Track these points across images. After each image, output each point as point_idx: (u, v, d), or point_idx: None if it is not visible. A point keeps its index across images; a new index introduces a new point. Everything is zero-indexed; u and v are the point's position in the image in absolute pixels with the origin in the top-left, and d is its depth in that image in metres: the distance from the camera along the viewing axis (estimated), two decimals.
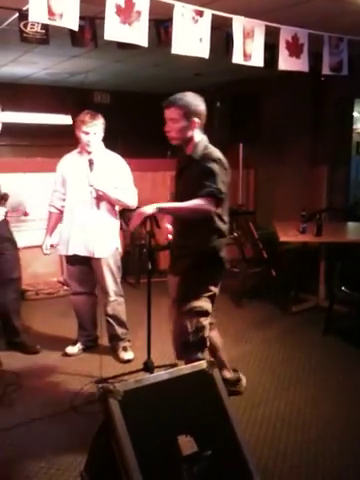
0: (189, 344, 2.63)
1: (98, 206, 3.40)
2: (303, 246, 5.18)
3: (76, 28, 2.91)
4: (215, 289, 2.71)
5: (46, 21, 2.78)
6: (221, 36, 3.59)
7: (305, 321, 4.51)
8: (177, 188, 2.80)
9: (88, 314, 3.71)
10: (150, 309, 3.15)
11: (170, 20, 3.26)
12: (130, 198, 3.45)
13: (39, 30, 3.49)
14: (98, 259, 3.46)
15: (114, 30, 2.93)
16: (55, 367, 3.50)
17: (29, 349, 3.74)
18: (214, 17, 3.36)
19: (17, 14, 3.56)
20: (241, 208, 6.11)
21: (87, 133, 3.35)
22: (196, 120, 2.63)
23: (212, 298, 2.70)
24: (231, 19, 3.45)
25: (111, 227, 3.52)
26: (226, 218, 2.69)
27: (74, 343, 3.74)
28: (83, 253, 3.47)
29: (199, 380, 2.04)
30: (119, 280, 3.60)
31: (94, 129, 3.36)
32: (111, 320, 3.58)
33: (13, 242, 3.68)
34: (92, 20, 3.55)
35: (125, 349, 3.62)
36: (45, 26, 3.45)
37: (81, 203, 3.42)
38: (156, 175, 5.92)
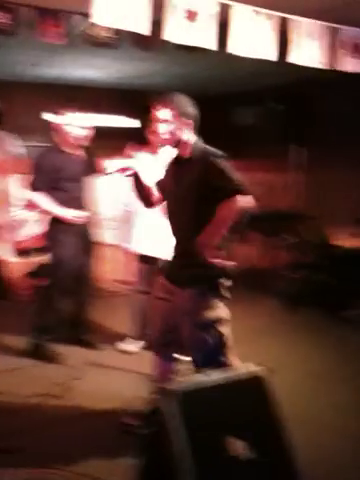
0: (211, 354, 2.52)
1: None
2: (358, 250, 5.07)
3: (147, 32, 2.94)
4: (228, 293, 2.57)
5: (110, 24, 2.83)
6: (279, 37, 3.58)
7: None
8: (173, 193, 2.60)
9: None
10: None
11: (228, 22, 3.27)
12: None
13: (108, 34, 3.60)
14: (165, 259, 3.52)
15: (177, 31, 2.94)
16: (115, 364, 3.59)
17: (92, 345, 3.86)
18: (274, 17, 3.34)
19: (88, 18, 3.70)
20: (292, 211, 6.04)
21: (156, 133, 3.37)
22: (190, 121, 2.52)
23: (225, 301, 2.58)
24: (289, 20, 3.43)
25: None
26: None
27: (135, 341, 3.82)
28: (153, 253, 3.53)
29: (253, 385, 2.04)
30: None
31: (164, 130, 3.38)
32: None
33: (91, 242, 3.82)
34: (160, 24, 3.63)
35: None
36: (115, 30, 3.55)
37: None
38: None
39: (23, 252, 4.97)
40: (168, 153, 3.40)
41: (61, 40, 3.62)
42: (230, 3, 3.15)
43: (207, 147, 2.53)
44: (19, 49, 5.21)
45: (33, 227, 5.06)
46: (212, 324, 2.49)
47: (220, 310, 2.53)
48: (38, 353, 3.66)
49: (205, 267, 2.42)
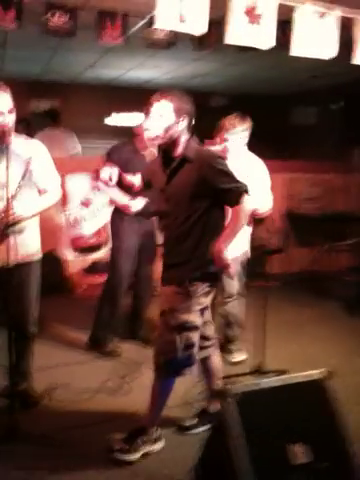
0: (176, 361, 2.42)
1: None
2: None
3: (201, 33, 2.95)
4: (207, 301, 2.48)
5: (174, 28, 2.86)
6: (342, 36, 3.50)
7: None
8: (164, 193, 2.49)
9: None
10: (265, 313, 3.16)
11: (289, 21, 3.23)
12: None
13: (163, 36, 3.65)
14: None
15: (239, 33, 2.94)
16: None
17: (149, 342, 3.91)
18: (337, 17, 3.27)
19: (145, 20, 3.77)
20: (352, 213, 5.87)
21: (226, 139, 3.36)
22: (186, 118, 2.40)
23: (203, 311, 2.48)
24: (354, 19, 3.35)
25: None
26: None
27: None
28: None
29: (312, 390, 2.00)
30: (240, 281, 3.59)
31: (234, 135, 3.36)
32: (224, 320, 3.62)
33: (155, 241, 3.86)
34: (218, 24, 3.63)
35: (234, 351, 3.64)
36: (171, 31, 3.59)
37: None
38: (276, 177, 5.88)
39: (81, 249, 5.10)
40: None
41: (118, 41, 3.70)
42: (293, 4, 3.13)
43: (203, 147, 2.45)
44: (77, 51, 5.36)
45: (90, 224, 5.20)
46: (185, 329, 2.40)
47: (196, 317, 2.44)
48: (98, 348, 3.74)
49: (185, 267, 2.40)
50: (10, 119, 2.59)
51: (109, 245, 3.29)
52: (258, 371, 3.17)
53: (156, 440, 2.57)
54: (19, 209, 2.59)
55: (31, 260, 2.81)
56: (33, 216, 2.77)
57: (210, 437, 1.95)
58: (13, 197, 2.54)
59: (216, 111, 3.76)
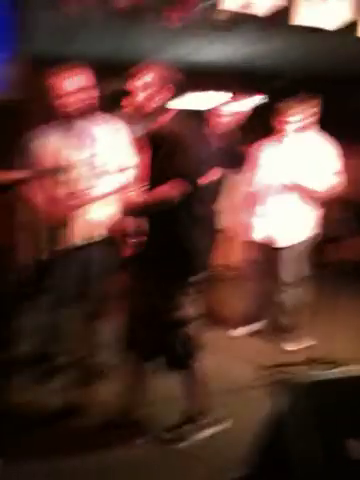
0: (178, 357, 2.42)
1: (290, 194, 3.37)
2: None
3: (267, 13, 2.87)
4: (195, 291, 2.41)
5: (238, 8, 2.79)
6: None
7: None
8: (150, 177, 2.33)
9: (258, 300, 3.73)
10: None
11: None
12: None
13: (229, 16, 3.57)
14: (282, 248, 3.46)
15: (312, 14, 2.84)
16: (220, 347, 3.56)
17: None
18: None
19: (209, 2, 3.69)
20: None
21: (288, 122, 3.32)
22: (171, 88, 2.31)
23: (194, 300, 2.41)
24: None
25: (302, 217, 3.46)
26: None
27: (242, 326, 3.80)
28: (269, 240, 3.49)
29: None
30: (298, 269, 3.53)
31: (295, 117, 3.31)
32: (278, 308, 3.57)
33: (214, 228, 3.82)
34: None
35: (290, 339, 3.58)
36: (236, 12, 3.50)
37: (272, 189, 3.42)
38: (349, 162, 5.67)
39: None
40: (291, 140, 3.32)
41: (185, 23, 3.64)
42: None
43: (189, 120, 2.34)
44: (143, 34, 5.34)
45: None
46: (181, 324, 2.37)
47: (189, 309, 2.39)
48: None
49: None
50: (93, 95, 2.62)
51: None
52: (311, 361, 3.08)
53: (206, 426, 2.56)
54: (101, 187, 2.63)
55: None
56: (114, 194, 2.74)
57: (266, 427, 1.90)
58: (96, 175, 2.57)
59: (282, 93, 3.64)
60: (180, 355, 2.42)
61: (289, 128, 3.30)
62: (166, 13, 3.56)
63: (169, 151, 2.19)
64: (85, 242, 2.60)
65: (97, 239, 2.70)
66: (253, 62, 6.75)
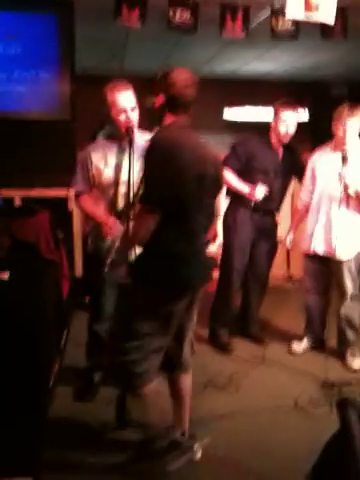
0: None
1: (347, 204, 3.26)
2: None
3: (332, 22, 2.82)
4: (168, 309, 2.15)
5: (302, 18, 2.75)
6: None
7: None
8: None
9: (319, 313, 3.62)
10: None
11: None
12: None
13: (289, 27, 3.52)
14: (339, 260, 3.34)
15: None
16: (280, 361, 3.53)
17: (261, 340, 3.84)
18: None
19: (268, 12, 3.65)
20: None
21: (344, 129, 3.21)
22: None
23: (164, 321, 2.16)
24: None
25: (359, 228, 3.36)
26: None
27: (300, 340, 3.71)
28: (324, 252, 3.39)
29: None
30: (355, 282, 3.41)
31: (351, 123, 3.20)
32: (343, 323, 3.44)
33: (275, 238, 3.84)
34: (344, 10, 3.43)
35: (354, 355, 3.45)
36: (296, 22, 3.46)
37: (329, 200, 3.31)
38: None
39: None
40: (350, 148, 3.23)
41: (241, 35, 3.63)
42: None
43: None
44: (196, 45, 5.37)
45: None
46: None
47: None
48: (214, 342, 3.76)
49: None
50: (133, 116, 2.64)
51: (220, 240, 3.30)
52: None
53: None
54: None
55: None
56: None
57: (328, 448, 1.83)
58: (135, 195, 2.52)
59: (338, 101, 3.56)
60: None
61: (347, 134, 3.21)
62: (222, 26, 3.55)
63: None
64: None
65: None
66: (308, 71, 6.66)
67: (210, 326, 3.82)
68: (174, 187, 2.01)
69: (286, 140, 3.54)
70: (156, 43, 5.28)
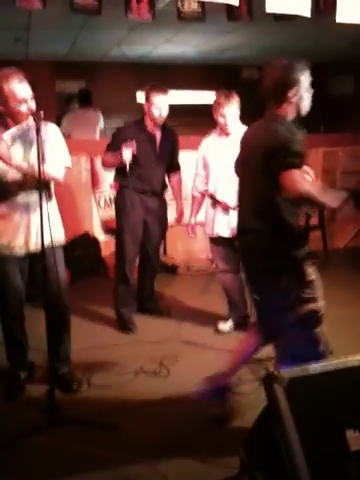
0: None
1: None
2: None
3: (237, 3, 2.84)
4: None
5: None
6: None
7: None
8: None
9: (236, 292, 3.71)
10: None
11: None
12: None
13: (196, 8, 3.51)
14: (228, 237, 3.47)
15: (276, 2, 2.81)
16: (207, 343, 3.57)
17: (157, 312, 4.04)
18: None
19: None
20: None
21: (224, 116, 3.34)
22: None
23: None
24: None
25: None
26: None
27: (225, 320, 3.78)
28: (227, 234, 3.49)
29: None
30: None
31: (230, 110, 3.33)
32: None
33: (165, 218, 4.01)
34: None
35: None
36: (202, 4, 3.45)
37: (224, 185, 3.43)
38: (310, 152, 5.67)
39: (113, 231, 5.15)
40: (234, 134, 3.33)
41: (147, 17, 3.56)
42: None
43: None
44: (103, 29, 5.26)
45: None
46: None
47: None
48: (122, 326, 3.82)
49: None
50: (33, 104, 2.66)
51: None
52: None
53: None
54: None
55: (55, 246, 2.77)
56: None
57: (258, 423, 1.87)
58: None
59: (248, 84, 3.63)
60: None
61: (228, 120, 3.35)
62: (127, 6, 3.46)
63: None
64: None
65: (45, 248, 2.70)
66: (218, 54, 6.73)
67: (116, 310, 3.89)
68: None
69: (160, 122, 3.66)
70: (61, 26, 5.10)
